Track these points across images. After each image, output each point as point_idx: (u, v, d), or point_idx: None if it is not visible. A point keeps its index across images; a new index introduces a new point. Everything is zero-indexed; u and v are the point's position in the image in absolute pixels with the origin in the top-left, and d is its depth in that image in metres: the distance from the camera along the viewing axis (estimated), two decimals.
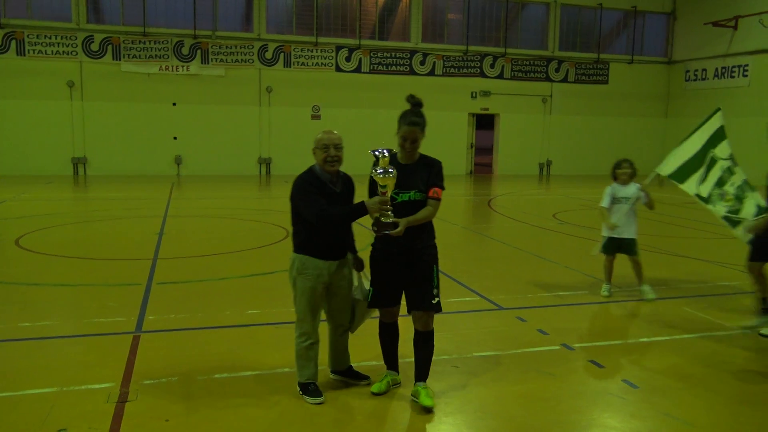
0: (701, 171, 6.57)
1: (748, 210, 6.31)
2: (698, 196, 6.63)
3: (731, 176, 6.45)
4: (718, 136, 6.56)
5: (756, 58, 22.30)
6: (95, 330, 5.57)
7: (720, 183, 6.49)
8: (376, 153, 3.85)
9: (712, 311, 6.44)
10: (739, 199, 6.38)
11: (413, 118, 4.04)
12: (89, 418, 3.88)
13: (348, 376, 4.47)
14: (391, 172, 3.83)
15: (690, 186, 6.64)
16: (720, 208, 6.45)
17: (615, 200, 6.80)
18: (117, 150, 21.29)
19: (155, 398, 4.18)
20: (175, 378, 4.51)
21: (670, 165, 6.76)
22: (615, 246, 6.87)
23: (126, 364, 4.73)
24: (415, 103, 4.16)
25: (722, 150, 6.53)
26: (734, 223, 6.49)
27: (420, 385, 4.25)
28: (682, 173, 6.68)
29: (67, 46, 20.56)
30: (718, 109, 6.74)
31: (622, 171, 6.78)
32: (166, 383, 4.43)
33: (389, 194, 3.90)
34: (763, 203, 6.23)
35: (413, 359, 4.33)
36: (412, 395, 4.28)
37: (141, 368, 4.66)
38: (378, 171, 3.84)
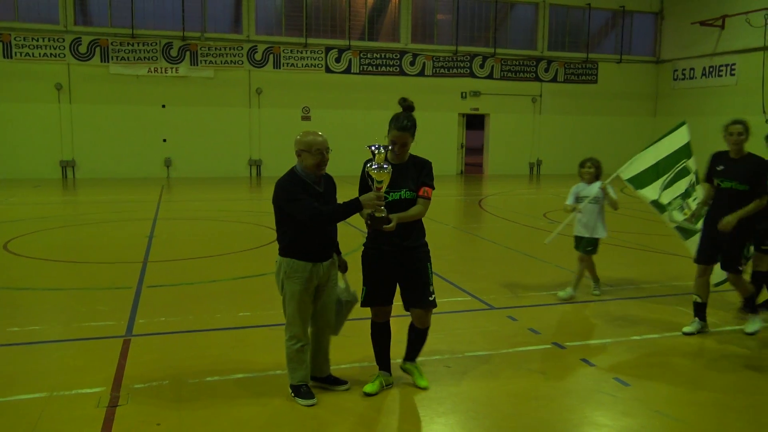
0: (665, 178, 6.53)
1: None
2: (655, 202, 6.60)
3: (694, 192, 6.46)
4: (688, 149, 6.55)
5: (743, 57, 22.46)
6: (85, 334, 5.54)
7: (686, 195, 6.47)
8: (373, 148, 3.89)
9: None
10: (696, 217, 6.29)
11: (404, 123, 4.12)
12: (79, 424, 3.86)
13: (327, 383, 4.43)
14: (386, 168, 3.89)
15: (651, 191, 6.59)
16: (677, 215, 6.45)
17: (579, 199, 6.81)
18: (106, 153, 21.15)
19: (146, 402, 4.16)
20: (166, 381, 4.49)
21: (631, 169, 6.75)
22: (578, 242, 6.88)
23: (116, 368, 4.70)
24: (407, 107, 4.22)
25: (692, 164, 6.53)
26: (687, 233, 6.47)
27: (410, 363, 4.51)
28: (642, 179, 6.66)
29: (55, 48, 20.42)
30: (684, 123, 6.74)
31: (585, 170, 6.80)
32: (157, 387, 4.40)
33: (384, 189, 3.95)
34: None
35: (405, 344, 4.54)
36: (403, 369, 4.53)
37: (131, 372, 4.64)
38: (373, 166, 3.89)
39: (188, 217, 12.94)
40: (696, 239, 6.08)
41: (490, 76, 24.68)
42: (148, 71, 21.25)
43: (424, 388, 4.36)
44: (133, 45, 21.02)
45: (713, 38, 23.62)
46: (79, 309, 6.32)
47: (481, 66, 24.55)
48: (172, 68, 21.45)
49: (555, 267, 8.34)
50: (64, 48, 20.48)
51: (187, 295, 6.86)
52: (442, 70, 24.12)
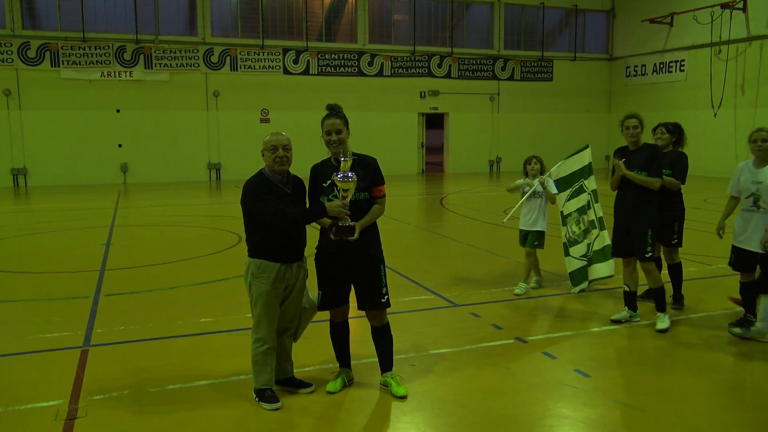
0: (568, 192, 6.95)
1: (587, 242, 6.83)
2: (561, 213, 7.05)
3: (590, 210, 6.84)
4: (588, 170, 6.95)
5: (691, 53, 23.13)
6: (41, 346, 5.39)
7: (582, 211, 6.85)
8: (341, 159, 3.98)
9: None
10: (587, 232, 6.81)
11: (333, 114, 4.20)
12: None
13: (290, 386, 4.41)
14: (350, 177, 3.96)
15: (559, 199, 6.99)
16: (574, 227, 6.90)
17: (523, 194, 7.05)
18: (59, 160, 20.61)
19: (106, 413, 4.07)
20: (127, 391, 4.39)
21: (560, 171, 7.06)
22: (524, 238, 7.08)
23: (74, 380, 4.58)
24: (333, 107, 4.28)
25: (590, 183, 6.92)
26: (577, 279, 6.88)
27: (388, 375, 4.41)
28: (561, 185, 7.02)
29: (2, 53, 19.81)
30: (587, 146, 7.08)
31: (532, 167, 7.04)
32: (117, 397, 4.31)
33: (349, 198, 4.02)
34: (608, 242, 6.62)
35: (375, 354, 4.45)
36: (382, 384, 4.42)
37: (90, 383, 4.53)
38: (339, 176, 3.96)
39: (147, 224, 12.70)
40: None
41: (448, 76, 24.87)
42: (101, 75, 20.80)
43: (402, 397, 4.26)
44: (84, 49, 20.54)
45: (663, 35, 24.27)
46: (34, 320, 6.14)
47: (439, 65, 24.73)
48: (125, 72, 21.03)
49: (516, 263, 8.45)
50: (12, 52, 19.89)
51: (147, 303, 6.73)
52: (400, 70, 24.20)
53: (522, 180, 7.11)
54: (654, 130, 6.42)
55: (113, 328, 5.83)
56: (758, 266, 5.42)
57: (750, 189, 5.39)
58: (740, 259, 5.54)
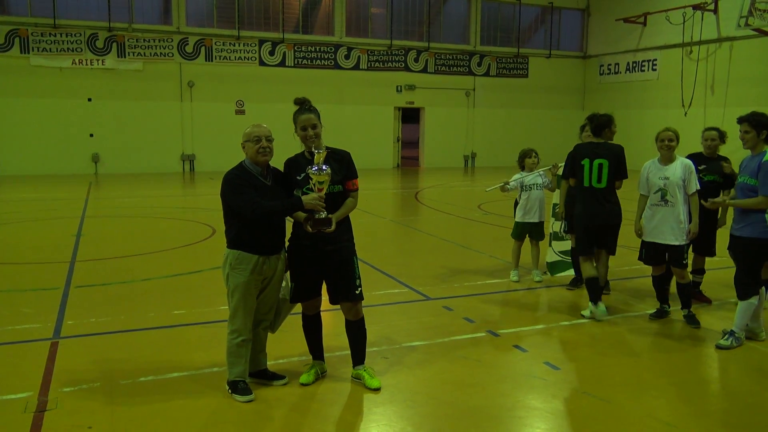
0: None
1: None
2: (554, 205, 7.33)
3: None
4: None
5: (664, 52, 23.49)
6: (9, 338, 5.31)
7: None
8: (315, 151, 4.02)
9: (622, 295, 6.79)
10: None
11: (306, 109, 4.22)
12: (5, 430, 3.71)
13: (264, 378, 4.42)
14: (325, 170, 3.99)
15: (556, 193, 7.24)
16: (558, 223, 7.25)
17: (525, 187, 7.31)
18: (28, 149, 20.18)
19: (76, 406, 4.04)
20: (98, 384, 4.37)
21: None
22: (526, 230, 7.30)
23: (44, 372, 4.54)
24: (302, 101, 4.28)
25: None
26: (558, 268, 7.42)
27: (360, 367, 4.44)
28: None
29: None
30: None
31: (533, 160, 7.39)
32: (88, 389, 4.28)
33: (324, 191, 4.04)
34: None
35: (348, 347, 4.49)
36: (354, 377, 4.45)
37: (60, 375, 4.49)
38: (313, 168, 3.99)
39: (118, 215, 12.54)
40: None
41: (424, 70, 24.92)
42: (72, 63, 20.41)
43: (376, 389, 4.30)
44: (55, 35, 20.14)
45: (636, 34, 24.60)
46: (3, 312, 6.05)
47: (416, 60, 24.77)
48: (98, 60, 20.67)
49: (489, 257, 8.54)
50: None
51: (119, 295, 6.67)
52: (377, 64, 24.18)
53: (519, 175, 7.35)
54: (582, 126, 6.64)
55: (84, 320, 5.77)
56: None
57: (658, 184, 5.66)
58: (650, 253, 5.80)
